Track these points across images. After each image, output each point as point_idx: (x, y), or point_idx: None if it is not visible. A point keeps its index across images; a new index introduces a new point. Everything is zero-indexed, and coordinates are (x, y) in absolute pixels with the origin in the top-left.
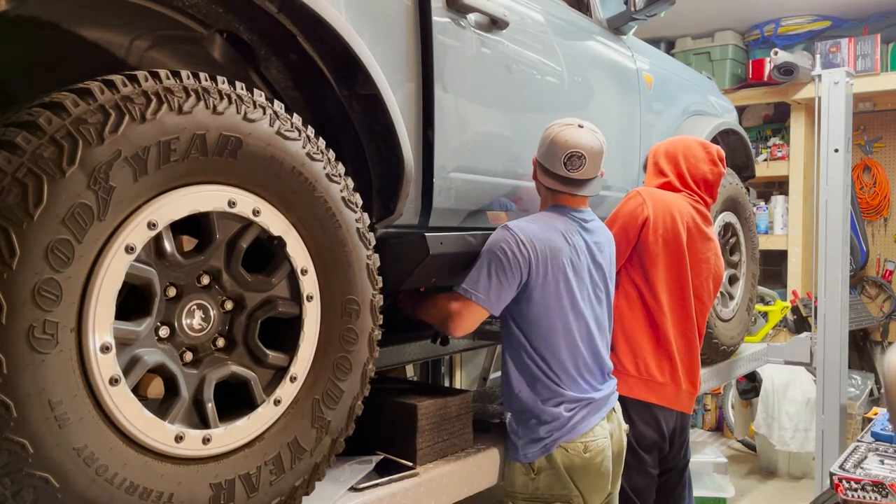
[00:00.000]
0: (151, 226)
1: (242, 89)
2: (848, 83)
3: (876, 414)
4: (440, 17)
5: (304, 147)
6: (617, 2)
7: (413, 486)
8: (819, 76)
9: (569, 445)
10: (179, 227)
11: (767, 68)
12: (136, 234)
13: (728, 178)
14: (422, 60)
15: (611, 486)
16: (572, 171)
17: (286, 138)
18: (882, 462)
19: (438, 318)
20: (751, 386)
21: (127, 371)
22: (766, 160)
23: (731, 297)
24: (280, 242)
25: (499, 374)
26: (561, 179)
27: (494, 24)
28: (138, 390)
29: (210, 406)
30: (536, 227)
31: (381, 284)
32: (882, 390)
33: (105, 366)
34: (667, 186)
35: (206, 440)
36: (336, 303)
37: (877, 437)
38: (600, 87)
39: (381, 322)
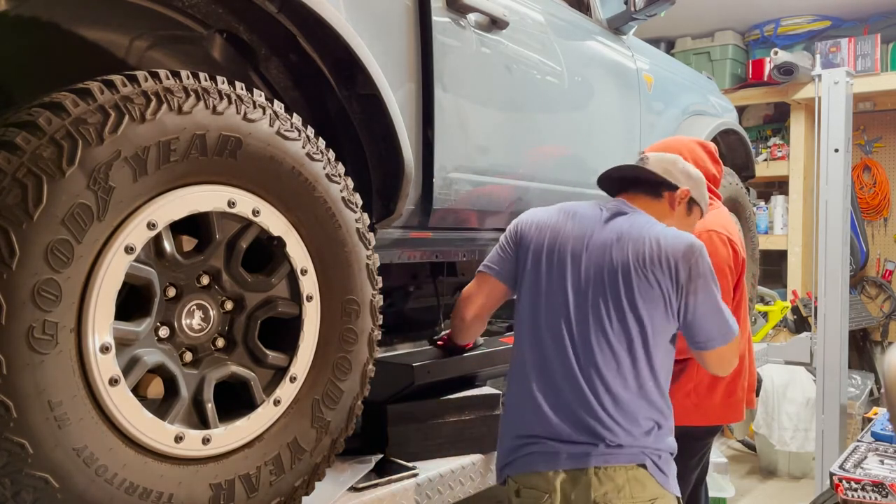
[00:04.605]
0: (151, 226)
1: (242, 89)
2: (848, 83)
3: (876, 414)
4: (440, 17)
5: (303, 147)
6: (617, 2)
7: (413, 486)
8: (819, 76)
9: (509, 480)
10: (179, 228)
11: (767, 68)
12: (136, 234)
13: (728, 178)
14: (422, 60)
15: None
16: None
17: (286, 138)
18: (882, 462)
19: (455, 317)
20: None
21: (127, 371)
22: (766, 160)
23: None
24: (280, 242)
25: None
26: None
27: (494, 23)
28: (138, 390)
29: (210, 406)
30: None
31: (380, 284)
32: (882, 390)
33: (105, 366)
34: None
35: (205, 440)
36: (336, 303)
37: (877, 437)
38: (600, 87)
39: (380, 322)
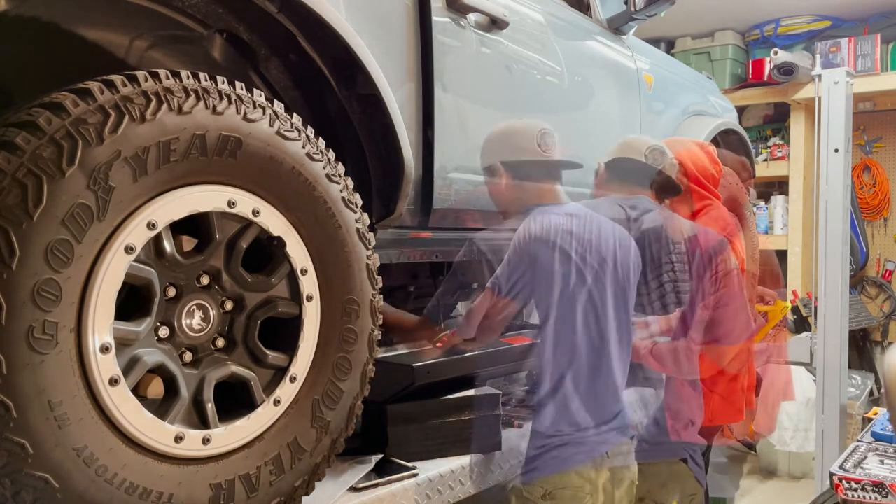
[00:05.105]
0: (151, 226)
1: (242, 89)
2: (848, 83)
3: (876, 414)
4: (440, 17)
5: (303, 147)
6: (617, 2)
7: (413, 486)
8: (819, 76)
9: (526, 487)
10: (179, 228)
11: (767, 68)
12: (136, 234)
13: (728, 178)
14: (422, 60)
15: None
16: (548, 151)
17: (286, 138)
18: (882, 462)
19: (466, 328)
20: None
21: (127, 371)
22: (766, 160)
23: None
24: (280, 242)
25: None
26: (543, 164)
27: (494, 23)
28: (138, 390)
29: (210, 406)
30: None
31: (380, 284)
32: (882, 390)
33: (105, 366)
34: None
35: (205, 440)
36: (336, 303)
37: (877, 437)
38: (600, 88)
39: (380, 322)
